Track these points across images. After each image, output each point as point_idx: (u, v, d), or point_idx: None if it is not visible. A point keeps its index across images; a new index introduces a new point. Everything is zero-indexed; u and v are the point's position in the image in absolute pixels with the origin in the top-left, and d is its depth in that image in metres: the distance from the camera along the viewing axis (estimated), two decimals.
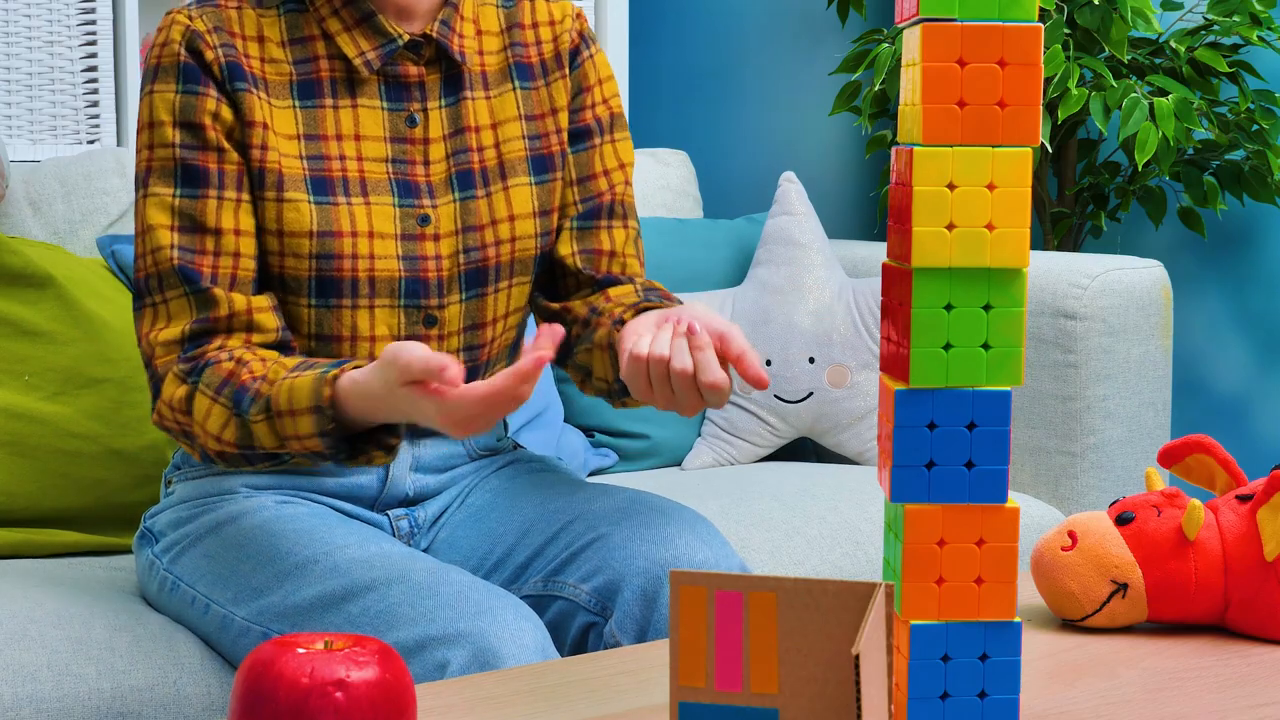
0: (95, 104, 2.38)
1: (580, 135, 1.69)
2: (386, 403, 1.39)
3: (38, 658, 1.58)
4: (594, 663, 1.22)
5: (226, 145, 1.55)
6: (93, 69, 2.37)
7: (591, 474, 2.41)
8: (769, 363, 2.43)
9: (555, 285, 1.70)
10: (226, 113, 1.55)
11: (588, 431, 2.46)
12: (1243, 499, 1.29)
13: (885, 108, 2.98)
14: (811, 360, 2.43)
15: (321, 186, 1.56)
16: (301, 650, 0.89)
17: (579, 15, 1.71)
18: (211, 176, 1.55)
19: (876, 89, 2.85)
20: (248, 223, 1.56)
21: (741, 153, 3.16)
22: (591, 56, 1.70)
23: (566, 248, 1.68)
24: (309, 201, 1.56)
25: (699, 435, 2.49)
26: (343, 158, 1.58)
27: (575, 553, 1.56)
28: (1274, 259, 3.03)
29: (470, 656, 1.40)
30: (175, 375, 1.53)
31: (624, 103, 2.82)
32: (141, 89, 1.58)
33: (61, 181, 2.17)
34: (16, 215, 2.14)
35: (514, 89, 1.66)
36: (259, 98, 1.56)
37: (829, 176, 3.27)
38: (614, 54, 2.81)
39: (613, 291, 1.66)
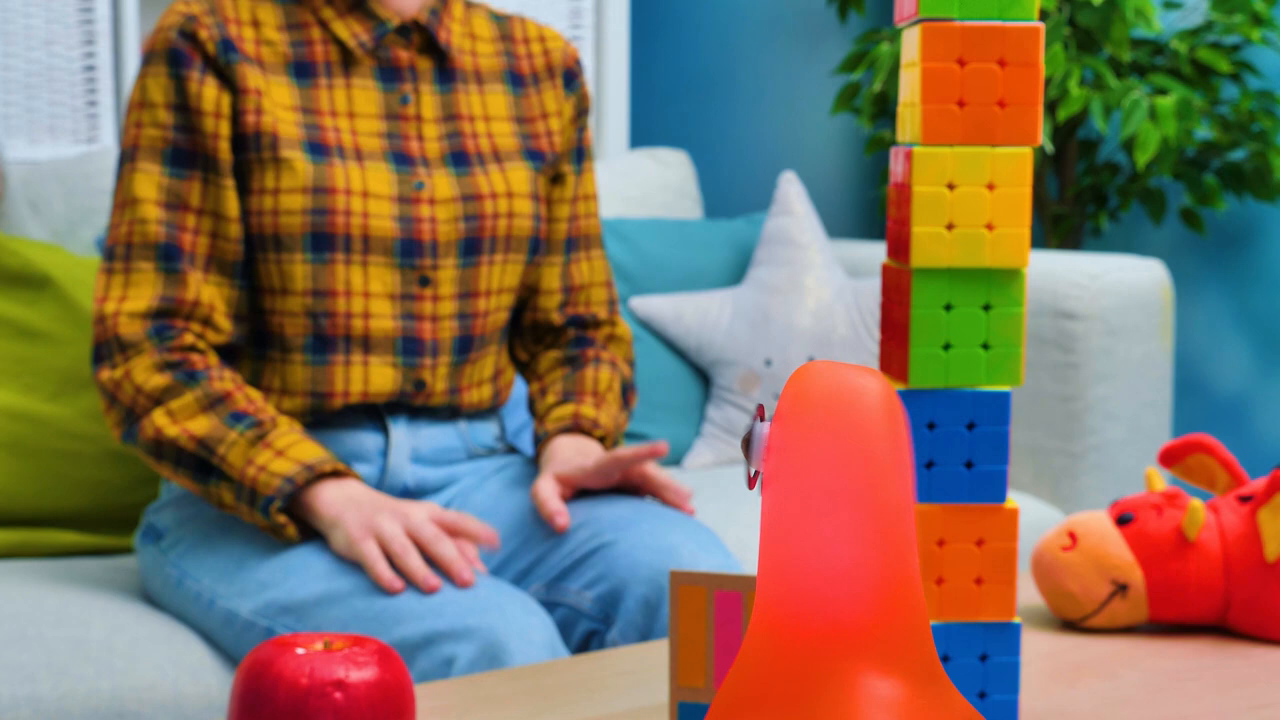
0: (94, 104, 2.38)
1: (581, 155, 1.79)
2: (360, 502, 1.51)
3: (37, 658, 1.58)
4: (594, 663, 1.22)
5: (214, 130, 1.61)
6: (92, 68, 2.37)
7: None
8: (769, 363, 2.43)
9: (524, 316, 1.80)
10: (212, 90, 1.61)
11: None
12: (1244, 499, 1.29)
13: (885, 108, 2.98)
14: (811, 360, 2.43)
15: (317, 149, 1.62)
16: (301, 650, 0.89)
17: (568, 42, 1.81)
18: (198, 160, 1.61)
19: (876, 89, 2.84)
20: (229, 208, 1.61)
21: (741, 153, 3.16)
22: (583, 85, 1.80)
23: (555, 283, 1.78)
24: (305, 159, 1.61)
25: (699, 435, 2.49)
26: (338, 130, 1.64)
27: (579, 560, 1.56)
28: (1275, 259, 3.03)
29: (478, 652, 1.40)
30: (154, 364, 1.57)
31: (624, 103, 2.83)
32: (138, 71, 1.65)
33: (61, 181, 2.17)
34: (15, 215, 2.14)
35: (505, 91, 1.73)
36: (254, 70, 1.62)
37: (829, 176, 3.26)
38: (614, 54, 2.81)
39: (548, 379, 1.77)
